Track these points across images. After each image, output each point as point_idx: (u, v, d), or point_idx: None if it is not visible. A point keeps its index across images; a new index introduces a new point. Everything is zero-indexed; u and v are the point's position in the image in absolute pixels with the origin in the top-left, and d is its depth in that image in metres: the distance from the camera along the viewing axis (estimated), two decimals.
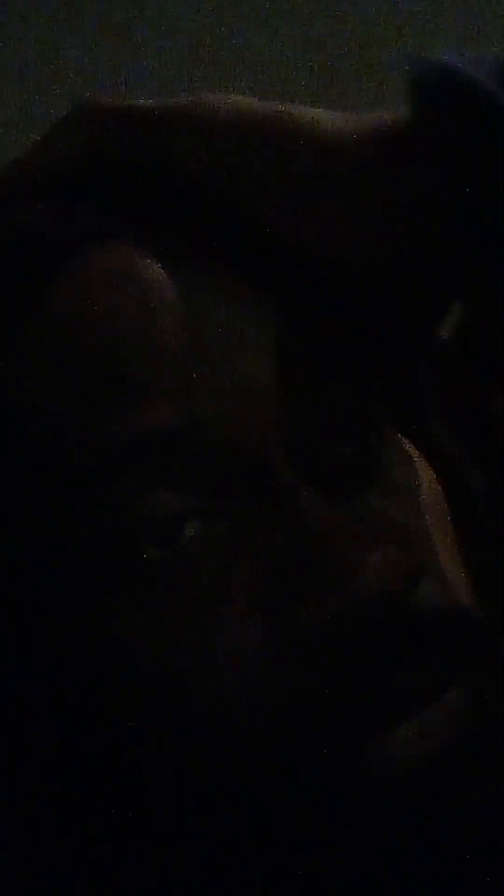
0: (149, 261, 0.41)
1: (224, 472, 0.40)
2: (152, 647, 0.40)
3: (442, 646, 0.40)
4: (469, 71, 0.41)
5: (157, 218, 0.43)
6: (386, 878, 0.40)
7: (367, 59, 1.07)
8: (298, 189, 0.43)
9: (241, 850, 0.41)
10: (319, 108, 0.44)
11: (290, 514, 0.40)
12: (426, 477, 0.45)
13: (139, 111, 0.43)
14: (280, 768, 0.40)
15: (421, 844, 0.39)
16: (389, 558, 0.39)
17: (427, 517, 0.44)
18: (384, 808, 0.39)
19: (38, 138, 0.45)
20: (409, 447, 0.46)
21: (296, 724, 0.39)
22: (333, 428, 0.42)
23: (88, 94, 0.45)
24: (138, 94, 0.47)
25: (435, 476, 0.46)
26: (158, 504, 0.39)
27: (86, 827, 0.42)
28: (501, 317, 0.45)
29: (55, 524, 0.40)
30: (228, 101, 0.44)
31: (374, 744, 0.39)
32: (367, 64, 1.06)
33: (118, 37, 1.09)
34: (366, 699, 0.39)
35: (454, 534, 0.45)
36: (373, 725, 0.40)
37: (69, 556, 0.40)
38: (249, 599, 0.40)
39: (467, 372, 0.49)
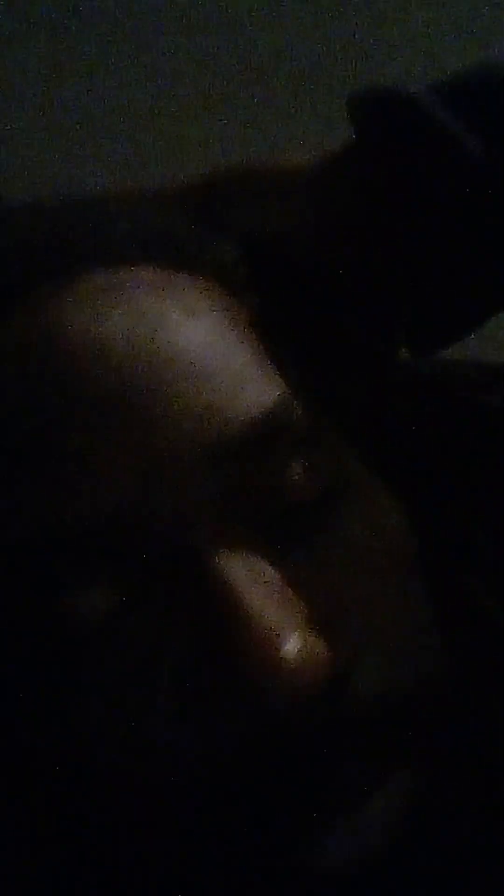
0: (71, 327, 0.39)
1: (148, 557, 0.38)
2: (86, 733, 0.39)
3: (377, 736, 0.39)
4: (405, 91, 0.44)
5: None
6: None
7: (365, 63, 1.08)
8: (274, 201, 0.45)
9: None
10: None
11: (213, 598, 0.38)
12: (390, 527, 0.43)
13: None
14: (211, 865, 0.39)
15: None
16: (308, 654, 0.37)
17: (378, 578, 0.41)
18: None
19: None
20: (377, 488, 0.44)
21: (227, 823, 0.38)
22: (278, 487, 0.40)
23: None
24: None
25: (402, 523, 0.44)
26: (82, 598, 0.38)
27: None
28: (440, 324, 0.46)
29: None
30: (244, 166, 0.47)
31: (306, 845, 0.38)
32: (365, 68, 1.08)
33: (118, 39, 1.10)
34: (295, 800, 0.38)
35: (416, 588, 0.43)
36: (304, 827, 0.38)
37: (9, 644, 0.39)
38: (178, 689, 0.38)
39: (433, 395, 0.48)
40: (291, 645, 0.37)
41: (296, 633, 0.37)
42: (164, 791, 0.38)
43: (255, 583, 0.38)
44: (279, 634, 0.37)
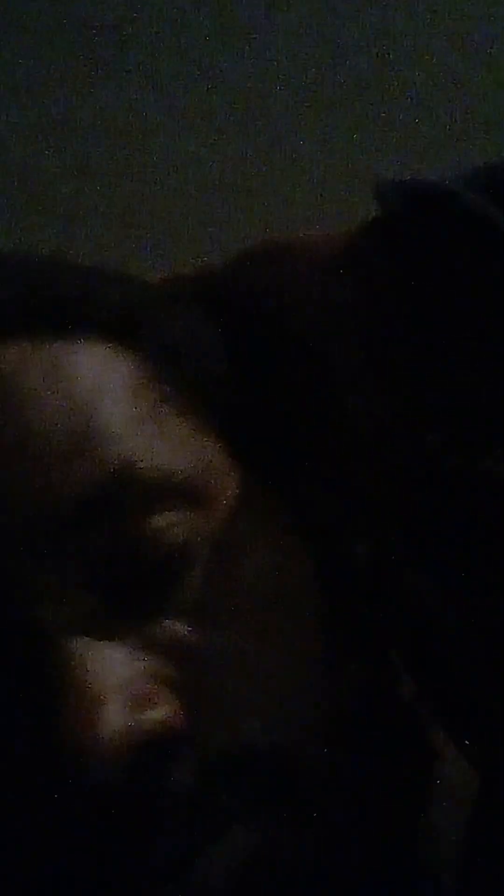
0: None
1: None
2: None
3: (214, 793, 0.39)
4: (430, 182, 0.44)
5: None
6: None
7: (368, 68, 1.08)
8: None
9: None
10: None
11: (43, 669, 0.39)
12: (276, 564, 0.43)
13: None
14: None
15: None
16: (137, 720, 0.38)
17: (251, 631, 0.41)
18: None
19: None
20: (267, 519, 0.44)
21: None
22: (129, 546, 0.40)
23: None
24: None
25: (299, 554, 0.44)
26: None
27: None
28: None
29: None
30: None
31: None
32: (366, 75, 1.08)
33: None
34: (132, 862, 0.38)
35: (306, 626, 0.43)
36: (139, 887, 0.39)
37: None
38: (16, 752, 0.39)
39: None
40: (110, 715, 0.37)
41: (115, 704, 0.38)
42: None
43: (89, 657, 0.39)
44: (96, 706, 0.38)
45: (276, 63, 1.09)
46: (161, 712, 0.38)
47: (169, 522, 0.40)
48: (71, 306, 0.44)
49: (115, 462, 0.40)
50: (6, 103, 1.07)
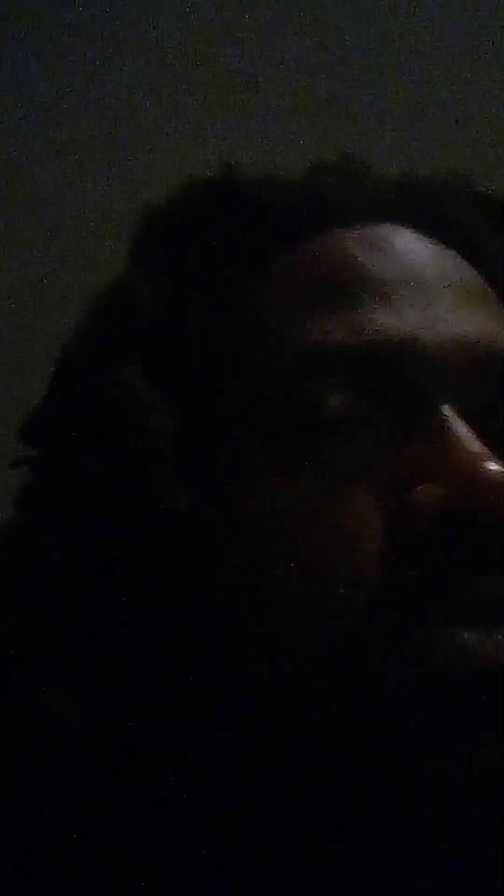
0: (397, 237, 0.53)
1: (396, 385, 0.48)
2: (289, 513, 0.47)
3: None
4: None
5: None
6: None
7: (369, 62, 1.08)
8: None
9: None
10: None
11: (439, 426, 0.47)
12: None
13: None
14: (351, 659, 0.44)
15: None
16: None
17: None
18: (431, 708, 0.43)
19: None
20: None
21: (381, 607, 0.44)
22: (499, 403, 0.49)
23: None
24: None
25: None
26: (330, 393, 0.48)
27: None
28: None
29: (254, 396, 0.50)
30: None
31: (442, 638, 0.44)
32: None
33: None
34: (452, 594, 0.44)
35: None
36: (448, 620, 0.44)
37: (244, 418, 0.50)
38: (382, 489, 0.47)
39: None
40: (497, 466, 0.45)
41: (501, 464, 0.45)
42: (339, 583, 0.45)
43: (472, 432, 0.47)
44: (486, 457, 0.45)
45: (275, 53, 1.10)
46: None
47: None
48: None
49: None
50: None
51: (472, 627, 0.43)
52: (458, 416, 0.47)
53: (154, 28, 1.09)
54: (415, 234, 0.54)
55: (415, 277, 0.51)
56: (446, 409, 0.48)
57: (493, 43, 1.09)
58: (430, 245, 0.54)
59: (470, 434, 0.47)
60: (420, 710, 0.43)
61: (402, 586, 0.44)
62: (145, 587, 0.48)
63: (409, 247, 0.53)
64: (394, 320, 0.49)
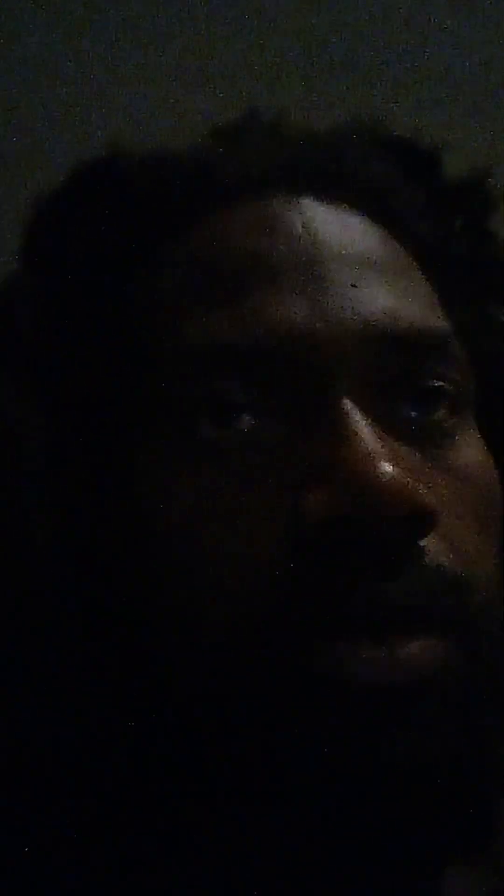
0: (289, 212, 0.49)
1: (291, 381, 0.45)
2: (187, 513, 0.45)
3: (433, 596, 0.43)
4: None
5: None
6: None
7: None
8: None
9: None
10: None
11: (334, 422, 0.44)
12: (489, 474, 0.48)
13: None
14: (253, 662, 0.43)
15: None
16: (408, 480, 0.42)
17: (468, 505, 0.46)
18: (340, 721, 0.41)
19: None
20: (483, 447, 0.49)
21: (281, 613, 0.42)
22: (408, 385, 0.47)
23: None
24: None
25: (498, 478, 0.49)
26: (226, 391, 0.45)
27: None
28: None
29: (135, 389, 0.47)
30: None
31: (340, 653, 0.42)
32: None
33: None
34: (346, 607, 0.42)
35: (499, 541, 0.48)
36: (345, 632, 0.42)
37: (136, 418, 0.47)
38: (279, 490, 0.44)
39: None
40: (388, 467, 0.42)
41: (396, 465, 0.42)
42: (240, 579, 0.43)
43: (369, 428, 0.44)
44: (379, 457, 0.42)
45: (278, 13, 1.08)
46: (428, 495, 0.42)
47: (444, 385, 0.47)
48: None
49: (445, 323, 0.49)
50: None
51: (359, 641, 0.41)
52: (357, 408, 0.45)
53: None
54: (313, 203, 0.49)
55: (309, 257, 0.47)
56: (342, 404, 0.45)
57: None
58: (328, 214, 0.49)
59: (366, 429, 0.44)
60: (317, 724, 0.42)
61: (297, 595, 0.43)
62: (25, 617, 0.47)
63: (303, 222, 0.49)
64: (283, 310, 0.46)
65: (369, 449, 0.43)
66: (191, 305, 0.47)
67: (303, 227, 0.48)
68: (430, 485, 0.44)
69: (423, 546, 0.43)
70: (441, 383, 0.47)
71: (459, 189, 0.55)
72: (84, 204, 0.52)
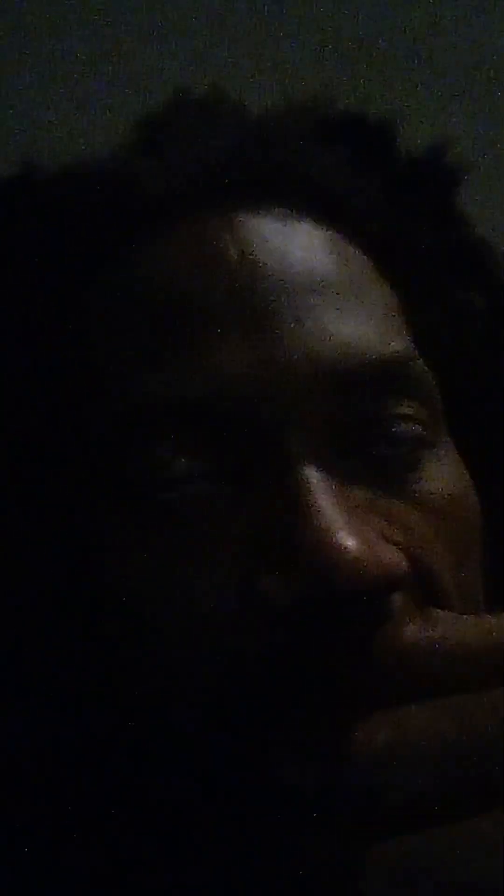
0: (224, 236, 0.44)
1: (239, 440, 0.41)
2: (138, 582, 0.42)
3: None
4: None
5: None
6: None
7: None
8: None
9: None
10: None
11: (288, 491, 0.40)
12: (464, 496, 0.45)
13: None
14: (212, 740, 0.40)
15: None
16: (371, 552, 0.39)
17: (442, 535, 0.43)
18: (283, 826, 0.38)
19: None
20: (459, 463, 0.46)
21: (240, 691, 0.39)
22: (369, 423, 0.43)
23: None
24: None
25: (476, 496, 0.46)
26: (166, 453, 0.41)
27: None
28: None
29: (80, 454, 0.43)
30: None
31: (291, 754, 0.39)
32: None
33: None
34: (302, 696, 0.39)
35: (481, 564, 0.45)
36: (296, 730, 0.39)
37: (84, 483, 0.43)
38: (234, 557, 0.41)
39: None
40: (351, 541, 0.38)
41: (356, 536, 0.39)
42: (193, 652, 0.40)
43: (326, 496, 0.40)
44: (340, 530, 0.39)
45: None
46: (394, 556, 0.40)
47: (415, 414, 0.44)
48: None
49: (403, 345, 0.44)
50: None
51: (308, 754, 0.38)
52: (312, 467, 0.40)
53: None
54: (250, 219, 0.44)
55: (248, 291, 0.42)
56: (297, 470, 0.41)
57: None
58: (267, 232, 0.44)
59: (323, 499, 0.40)
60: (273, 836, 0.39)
61: (263, 677, 0.39)
62: None
63: (240, 248, 0.43)
64: (220, 359, 0.41)
65: (328, 524, 0.39)
66: (120, 361, 0.43)
67: (240, 255, 0.43)
68: (403, 525, 0.42)
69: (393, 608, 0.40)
70: (406, 411, 0.43)
71: (417, 165, 0.49)
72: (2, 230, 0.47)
